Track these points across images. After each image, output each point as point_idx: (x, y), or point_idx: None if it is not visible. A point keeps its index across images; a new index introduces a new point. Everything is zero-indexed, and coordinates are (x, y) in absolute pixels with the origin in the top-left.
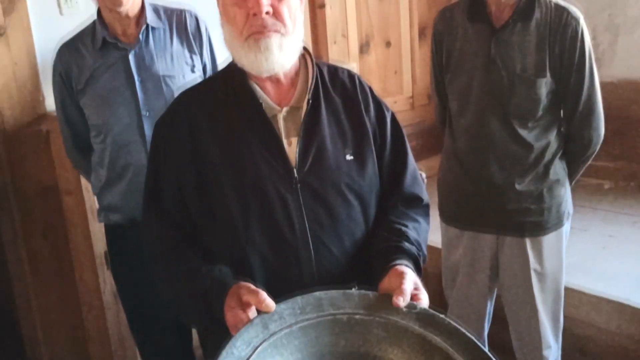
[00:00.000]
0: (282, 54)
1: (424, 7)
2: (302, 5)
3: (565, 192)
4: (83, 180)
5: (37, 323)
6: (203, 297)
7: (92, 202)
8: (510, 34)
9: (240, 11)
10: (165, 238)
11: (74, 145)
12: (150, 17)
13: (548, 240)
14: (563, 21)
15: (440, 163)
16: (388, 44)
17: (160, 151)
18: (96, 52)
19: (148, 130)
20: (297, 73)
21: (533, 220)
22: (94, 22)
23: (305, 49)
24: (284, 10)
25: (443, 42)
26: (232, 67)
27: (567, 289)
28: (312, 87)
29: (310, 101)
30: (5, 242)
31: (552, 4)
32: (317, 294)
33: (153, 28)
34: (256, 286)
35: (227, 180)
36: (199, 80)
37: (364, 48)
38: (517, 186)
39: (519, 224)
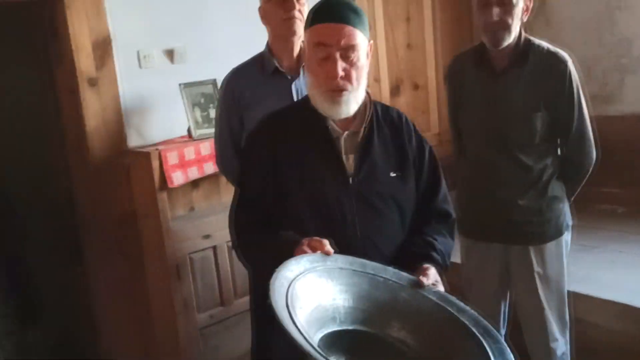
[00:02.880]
0: (348, 107)
1: (448, 54)
2: (368, 62)
3: (564, 207)
4: (159, 205)
5: (114, 336)
6: (280, 251)
7: (166, 224)
8: (508, 77)
9: (322, 70)
10: (250, 222)
11: (232, 145)
12: None
13: (549, 247)
14: (553, 63)
15: (457, 185)
16: (416, 86)
17: (249, 157)
18: (266, 78)
19: None
20: None
21: (535, 231)
22: (261, 54)
23: (366, 89)
24: (353, 74)
25: (455, 83)
26: (308, 99)
27: (577, 295)
28: (369, 118)
29: (367, 128)
30: (88, 262)
31: (545, 50)
32: (363, 260)
33: None
34: None
35: (297, 183)
36: None
37: (394, 91)
38: (520, 202)
39: (523, 234)
